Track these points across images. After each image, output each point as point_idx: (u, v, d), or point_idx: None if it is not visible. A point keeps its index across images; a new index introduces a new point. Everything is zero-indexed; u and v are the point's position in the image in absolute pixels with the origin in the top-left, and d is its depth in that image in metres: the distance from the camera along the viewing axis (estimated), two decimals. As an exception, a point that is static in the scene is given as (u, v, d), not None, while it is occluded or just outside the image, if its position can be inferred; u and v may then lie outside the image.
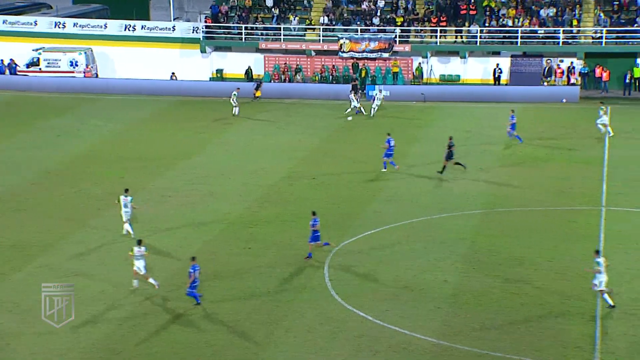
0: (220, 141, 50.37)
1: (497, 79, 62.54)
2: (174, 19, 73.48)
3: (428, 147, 48.35)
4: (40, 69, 65.85)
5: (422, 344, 26.05)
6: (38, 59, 66.05)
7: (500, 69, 62.29)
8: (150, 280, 29.50)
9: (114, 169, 44.22)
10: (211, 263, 32.15)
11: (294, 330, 27.07)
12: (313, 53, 65.15)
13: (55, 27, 68.71)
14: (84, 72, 65.50)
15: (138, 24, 68.65)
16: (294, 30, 65.91)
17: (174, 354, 25.45)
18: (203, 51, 66.15)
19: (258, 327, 27.21)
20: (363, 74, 62.96)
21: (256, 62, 65.75)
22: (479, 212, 37.84)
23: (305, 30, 65.83)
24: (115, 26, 68.43)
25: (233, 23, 66.47)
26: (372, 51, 63.33)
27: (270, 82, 64.31)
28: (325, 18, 65.61)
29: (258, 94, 61.17)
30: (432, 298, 29.20)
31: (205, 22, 66.95)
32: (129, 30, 67.99)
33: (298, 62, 65.24)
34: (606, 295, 27.92)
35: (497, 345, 25.80)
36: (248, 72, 65.16)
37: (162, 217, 37.29)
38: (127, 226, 34.57)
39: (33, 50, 66.66)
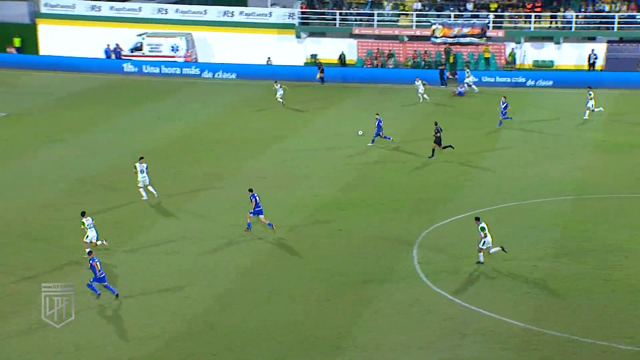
0: (313, 125, 50.46)
1: (591, 65, 60.86)
2: (271, 5, 73.76)
3: (518, 133, 47.47)
4: (143, 53, 67.12)
5: (510, 327, 25.62)
6: (142, 43, 67.30)
7: (595, 54, 60.57)
8: (105, 242, 31.08)
9: (211, 151, 44.77)
10: (300, 244, 32.30)
11: (382, 311, 26.96)
12: (406, 38, 64.62)
13: (158, 13, 69.89)
14: (185, 57, 66.50)
15: (236, 10, 69.25)
16: (388, 16, 65.48)
17: (266, 331, 25.65)
18: (298, 36, 66.36)
19: (348, 307, 27.20)
20: (451, 60, 62.22)
21: (349, 48, 65.59)
22: (570, 198, 36.94)
23: (399, 16, 65.35)
24: (214, 12, 69.24)
25: (328, 9, 66.46)
26: (464, 36, 62.45)
27: (362, 67, 64.19)
28: (419, 4, 64.98)
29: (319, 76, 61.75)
30: (521, 283, 28.67)
31: (301, 8, 67.12)
32: (227, 16, 68.68)
33: (391, 48, 64.83)
34: (480, 255, 29.90)
35: (587, 331, 25.17)
36: (341, 57, 65.07)
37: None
38: (146, 190, 36.50)
39: (137, 35, 67.97)
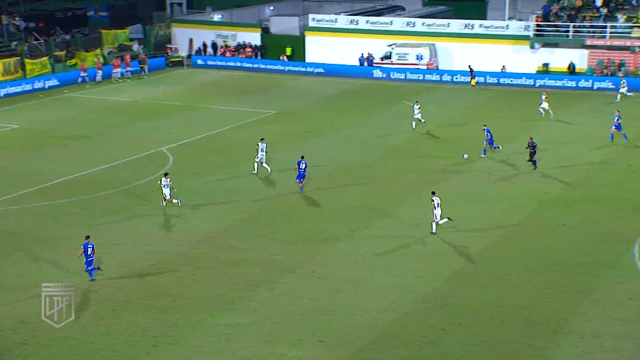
0: (542, 127, 48.66)
1: None
2: (508, 19, 72.01)
3: None
4: (391, 61, 67.89)
5: None
6: (391, 53, 68.10)
7: None
8: (174, 200, 34.20)
9: (446, 148, 44.45)
10: (524, 235, 31.37)
11: (602, 302, 25.57)
12: (637, 49, 60.58)
13: (406, 26, 70.32)
14: (427, 64, 66.50)
15: (476, 23, 68.21)
16: (620, 28, 61.76)
17: (490, 311, 25.18)
18: (532, 47, 64.28)
19: (568, 296, 26.06)
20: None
21: (580, 57, 62.56)
22: None
23: (632, 28, 61.37)
24: (456, 25, 68.59)
25: (562, 22, 63.80)
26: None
27: (592, 75, 61.09)
28: (652, 16, 60.84)
29: (473, 82, 60.40)
30: None
31: (536, 21, 64.97)
32: (468, 28, 67.77)
33: (621, 58, 61.08)
34: (434, 225, 31.26)
35: None
36: (570, 66, 62.30)
37: (483, 192, 36.90)
38: (260, 166, 39.11)
39: (387, 45, 68.84)
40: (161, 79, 67.50)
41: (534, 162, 39.65)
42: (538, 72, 64.12)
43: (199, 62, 73.34)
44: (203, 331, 23.94)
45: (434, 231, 31.35)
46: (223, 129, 49.63)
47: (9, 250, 30.02)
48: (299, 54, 72.97)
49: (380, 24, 71.49)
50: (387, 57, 68.09)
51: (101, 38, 71.54)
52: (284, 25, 76.68)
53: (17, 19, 69.60)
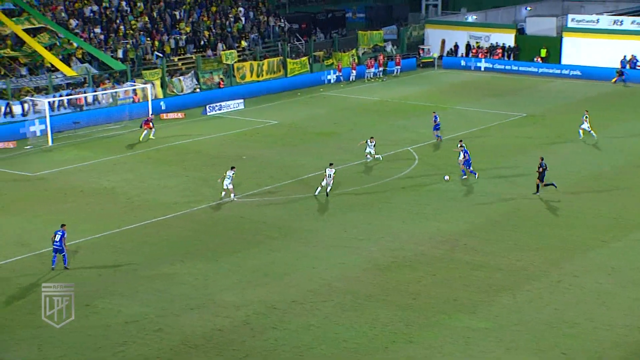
0: None
1: None
2: None
3: None
4: (652, 64, 63.34)
5: None
6: (656, 55, 63.58)
7: None
8: (232, 195, 35.95)
9: None
10: None
11: None
12: None
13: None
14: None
15: None
16: None
17: None
18: None
19: None
20: None
21: None
22: None
23: None
24: None
25: None
26: None
27: None
28: None
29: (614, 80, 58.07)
30: None
31: None
32: None
33: None
34: (320, 189, 35.67)
35: None
36: None
37: None
38: (371, 156, 41.83)
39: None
40: (411, 80, 68.24)
41: (537, 186, 35.40)
42: None
43: (450, 63, 73.09)
44: (441, 332, 23.78)
45: (316, 193, 35.41)
46: (469, 130, 49.08)
47: (262, 238, 31.87)
48: (554, 55, 70.24)
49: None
50: (654, 59, 63.57)
51: (357, 39, 73.78)
52: (540, 25, 74.13)
53: (282, 20, 73.88)
